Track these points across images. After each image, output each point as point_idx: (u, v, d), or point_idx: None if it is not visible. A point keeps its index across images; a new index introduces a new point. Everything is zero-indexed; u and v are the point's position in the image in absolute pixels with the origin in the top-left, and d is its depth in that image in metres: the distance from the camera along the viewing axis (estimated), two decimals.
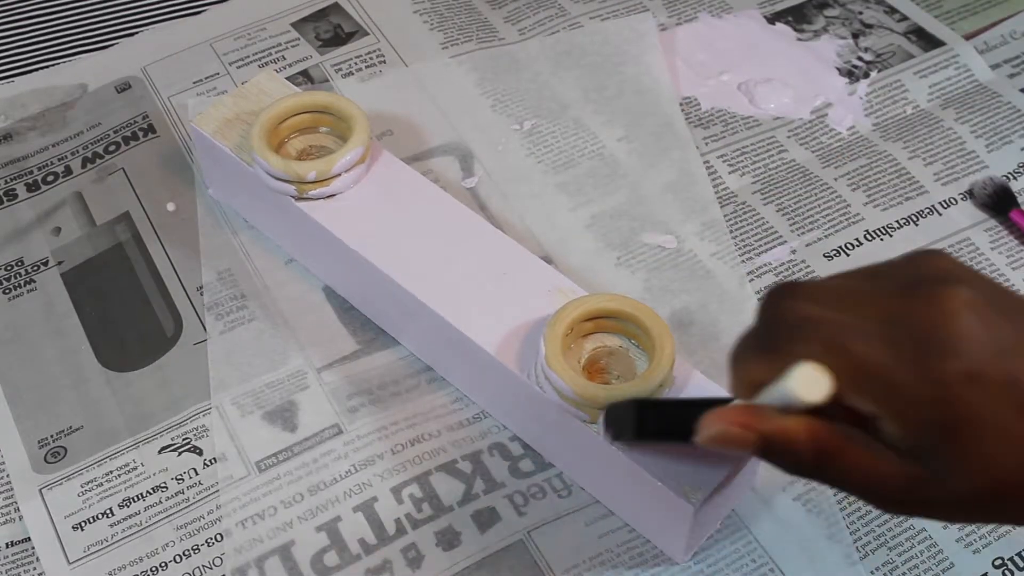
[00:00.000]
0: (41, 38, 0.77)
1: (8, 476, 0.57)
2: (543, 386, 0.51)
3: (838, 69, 0.73)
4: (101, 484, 0.56)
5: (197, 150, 0.66)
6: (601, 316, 0.53)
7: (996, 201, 0.66)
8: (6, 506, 0.56)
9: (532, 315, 0.54)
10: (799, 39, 0.75)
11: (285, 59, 0.74)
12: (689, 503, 0.49)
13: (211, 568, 0.53)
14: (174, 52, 0.75)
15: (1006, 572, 0.53)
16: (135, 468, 0.57)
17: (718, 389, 0.52)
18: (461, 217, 0.59)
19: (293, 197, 0.59)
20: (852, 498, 0.54)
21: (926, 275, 0.38)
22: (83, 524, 0.55)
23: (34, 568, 0.54)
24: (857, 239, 0.65)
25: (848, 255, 0.64)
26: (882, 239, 0.65)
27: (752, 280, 0.63)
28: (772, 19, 0.77)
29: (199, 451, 0.57)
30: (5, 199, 0.68)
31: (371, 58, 0.74)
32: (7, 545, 0.55)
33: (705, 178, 0.67)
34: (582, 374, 0.51)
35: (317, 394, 0.59)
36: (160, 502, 0.55)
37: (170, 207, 0.67)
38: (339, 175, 0.59)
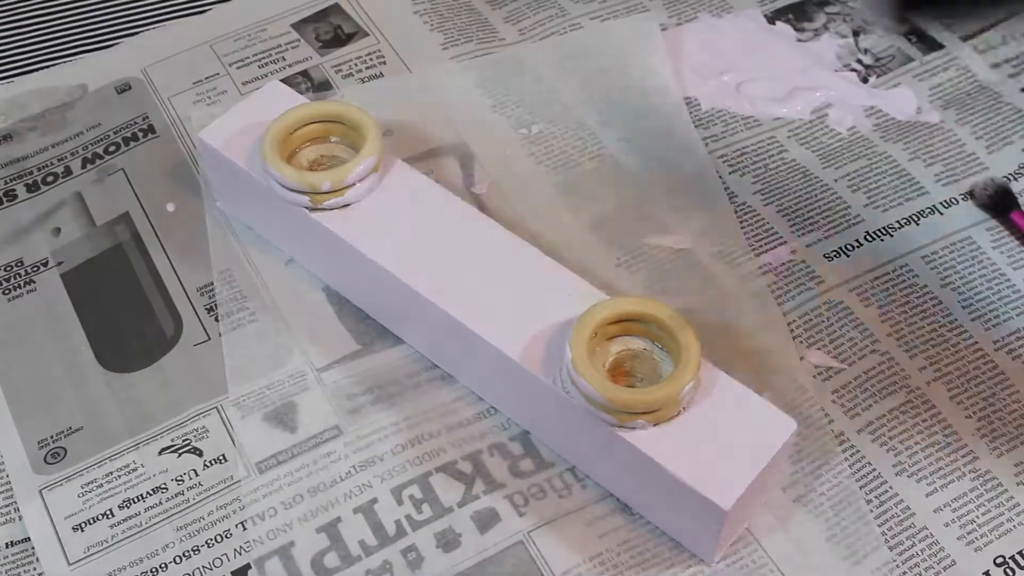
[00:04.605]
0: (41, 38, 0.77)
1: (8, 476, 0.57)
2: (569, 391, 0.51)
3: (837, 72, 0.73)
4: (101, 485, 0.56)
5: (204, 163, 0.66)
6: (626, 319, 0.53)
7: (997, 202, 0.65)
8: (6, 506, 0.56)
9: (554, 319, 0.54)
10: (799, 39, 0.75)
11: (285, 60, 0.74)
12: (721, 505, 0.49)
13: (211, 569, 0.53)
14: (174, 53, 0.75)
15: (1007, 570, 0.53)
16: (135, 469, 0.57)
17: (744, 390, 0.52)
18: (476, 223, 0.59)
19: (307, 208, 0.59)
20: (850, 498, 0.54)
21: None
22: (83, 525, 0.55)
23: (34, 569, 0.54)
24: (857, 240, 0.65)
25: (848, 256, 0.64)
26: (882, 239, 0.65)
27: (752, 280, 0.63)
28: (773, 17, 0.77)
29: (199, 452, 0.57)
30: (5, 200, 0.68)
31: (371, 59, 0.74)
32: (7, 545, 0.55)
33: (714, 177, 0.67)
34: (607, 377, 0.51)
35: (317, 395, 0.59)
36: (160, 503, 0.55)
37: (170, 208, 0.67)
38: (353, 184, 0.58)
